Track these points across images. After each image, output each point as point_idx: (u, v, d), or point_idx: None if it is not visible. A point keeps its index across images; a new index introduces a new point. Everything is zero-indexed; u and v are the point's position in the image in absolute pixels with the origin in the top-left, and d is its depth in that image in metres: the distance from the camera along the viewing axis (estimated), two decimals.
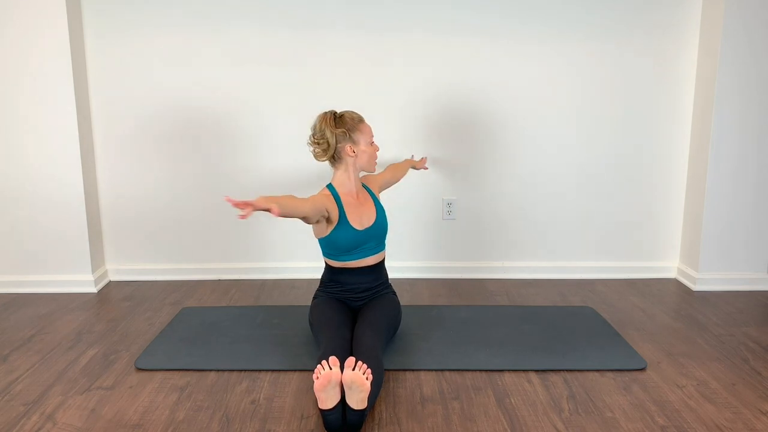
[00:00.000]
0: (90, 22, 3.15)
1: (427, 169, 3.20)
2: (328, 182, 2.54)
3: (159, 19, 3.16)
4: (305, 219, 2.31)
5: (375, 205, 2.57)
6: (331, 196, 2.45)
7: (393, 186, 2.95)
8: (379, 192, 2.73)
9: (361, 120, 2.50)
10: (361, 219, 2.48)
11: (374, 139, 2.58)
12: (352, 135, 2.44)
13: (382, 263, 2.59)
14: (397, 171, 2.90)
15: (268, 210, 2.01)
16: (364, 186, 2.62)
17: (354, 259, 2.49)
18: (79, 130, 3.10)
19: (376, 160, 2.56)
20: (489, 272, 3.44)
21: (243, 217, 1.94)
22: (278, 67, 3.21)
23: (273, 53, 3.20)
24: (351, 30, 3.18)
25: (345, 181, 2.51)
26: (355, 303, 2.53)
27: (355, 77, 3.23)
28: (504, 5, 3.18)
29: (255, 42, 3.19)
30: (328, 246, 2.49)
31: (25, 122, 3.07)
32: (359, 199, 2.53)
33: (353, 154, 2.46)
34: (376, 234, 2.52)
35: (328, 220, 2.42)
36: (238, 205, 1.93)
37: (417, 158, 3.24)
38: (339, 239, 2.43)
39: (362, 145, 2.47)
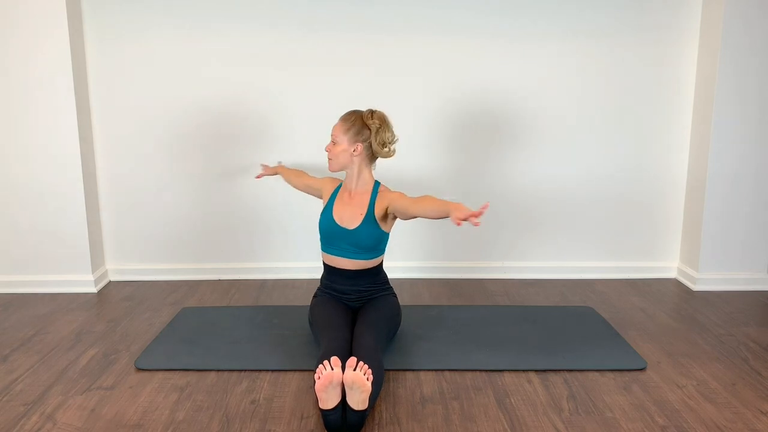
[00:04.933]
0: (90, 23, 3.14)
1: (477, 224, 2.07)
2: None
3: (159, 21, 3.15)
4: (312, 190, 2.76)
5: (366, 214, 2.44)
6: (336, 183, 2.62)
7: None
8: (388, 211, 2.42)
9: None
10: (342, 215, 2.48)
11: (338, 139, 2.44)
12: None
13: (368, 272, 2.50)
14: (424, 205, 2.25)
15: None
16: (375, 193, 2.49)
17: (330, 254, 2.51)
18: (80, 130, 3.10)
19: (333, 160, 2.47)
20: (489, 272, 3.44)
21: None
22: (278, 67, 3.21)
23: (273, 54, 3.20)
24: (355, 31, 3.18)
25: (347, 175, 2.55)
26: (352, 303, 2.52)
27: (358, 78, 3.22)
28: (505, 7, 3.18)
29: (255, 43, 3.18)
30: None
31: (26, 123, 3.07)
32: (352, 198, 2.51)
33: None
34: (351, 239, 2.44)
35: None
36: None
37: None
38: (320, 221, 2.55)
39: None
